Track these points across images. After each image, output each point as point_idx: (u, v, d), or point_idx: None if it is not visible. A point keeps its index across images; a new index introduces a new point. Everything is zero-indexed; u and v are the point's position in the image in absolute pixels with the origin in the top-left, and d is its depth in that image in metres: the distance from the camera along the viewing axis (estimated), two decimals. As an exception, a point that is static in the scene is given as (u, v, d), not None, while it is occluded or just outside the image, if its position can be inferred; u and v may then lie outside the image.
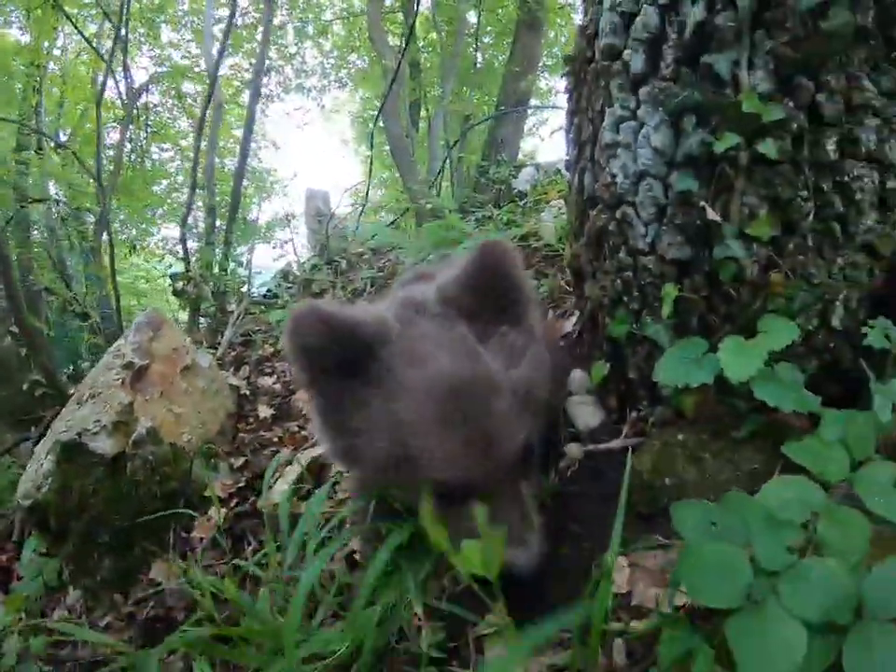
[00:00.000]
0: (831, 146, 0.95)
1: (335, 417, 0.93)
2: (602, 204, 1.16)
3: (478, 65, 8.91)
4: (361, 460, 0.93)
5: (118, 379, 1.65)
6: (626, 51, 0.99)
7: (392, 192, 8.89)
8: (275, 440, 2.20)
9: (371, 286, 4.45)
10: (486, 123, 7.44)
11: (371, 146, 4.34)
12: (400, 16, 8.51)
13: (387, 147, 6.90)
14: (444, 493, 0.84)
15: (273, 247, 4.47)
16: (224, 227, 4.20)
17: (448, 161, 6.38)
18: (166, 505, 1.61)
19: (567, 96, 1.22)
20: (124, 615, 1.48)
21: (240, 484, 1.78)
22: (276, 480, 1.75)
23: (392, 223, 6.68)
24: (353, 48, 10.27)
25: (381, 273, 4.71)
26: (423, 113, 8.48)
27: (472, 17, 8.85)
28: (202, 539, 1.59)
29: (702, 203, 1.00)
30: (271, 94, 9.68)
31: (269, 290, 4.90)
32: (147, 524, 1.57)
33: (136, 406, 1.63)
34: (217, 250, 3.86)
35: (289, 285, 4.87)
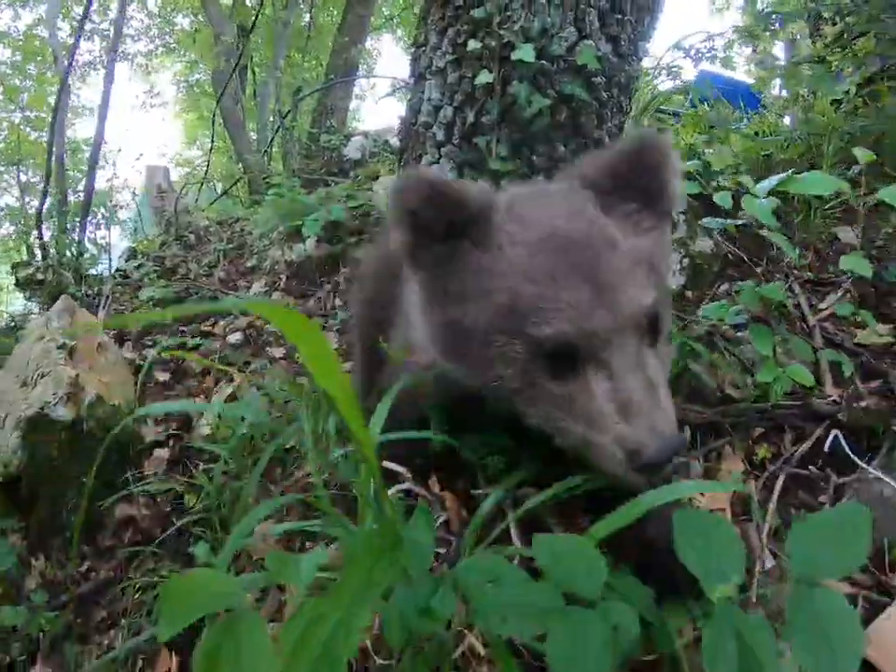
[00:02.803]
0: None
1: (440, 286, 0.87)
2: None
3: (310, 33, 8.96)
4: (467, 332, 0.84)
5: (60, 358, 2.04)
6: (434, 127, 1.69)
7: (223, 159, 8.78)
8: (183, 396, 2.67)
9: (224, 257, 4.75)
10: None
11: (213, 124, 4.55)
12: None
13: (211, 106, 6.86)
14: (557, 356, 0.78)
15: (133, 232, 4.55)
16: (63, 208, 4.23)
17: (280, 129, 6.58)
18: (120, 455, 2.06)
19: (398, 141, 1.89)
20: (104, 550, 1.89)
21: (172, 431, 2.26)
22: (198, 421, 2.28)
23: (225, 192, 6.77)
24: (178, 8, 9.65)
25: (231, 245, 5.01)
26: (251, 77, 8.43)
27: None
28: (155, 473, 2.07)
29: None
30: (93, 61, 8.85)
31: (118, 269, 4.94)
32: (103, 477, 1.95)
33: (80, 378, 2.04)
34: (62, 235, 3.95)
35: (138, 263, 4.95)
